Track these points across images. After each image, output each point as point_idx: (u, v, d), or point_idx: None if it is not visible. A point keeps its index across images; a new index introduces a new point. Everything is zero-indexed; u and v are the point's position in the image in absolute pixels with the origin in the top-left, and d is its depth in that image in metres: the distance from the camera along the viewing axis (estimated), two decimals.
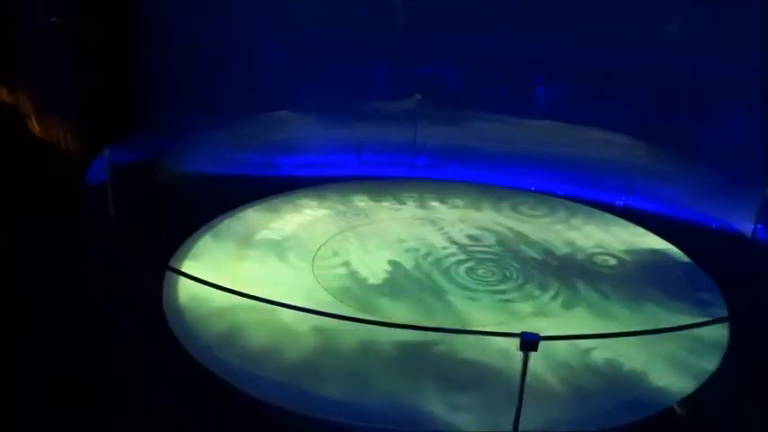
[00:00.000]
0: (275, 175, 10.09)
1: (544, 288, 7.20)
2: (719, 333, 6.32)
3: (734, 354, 5.98)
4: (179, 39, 9.29)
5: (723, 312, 6.82)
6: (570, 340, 5.95)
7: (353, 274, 7.40)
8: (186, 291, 6.77)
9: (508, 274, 7.48)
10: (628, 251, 8.15)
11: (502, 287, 7.21)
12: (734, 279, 7.32)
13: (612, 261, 7.90)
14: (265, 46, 9.98)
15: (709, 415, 5.43)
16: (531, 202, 9.55)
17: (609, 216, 9.19)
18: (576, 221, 9.01)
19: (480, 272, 7.51)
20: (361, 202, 9.36)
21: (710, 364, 5.94)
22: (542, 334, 4.35)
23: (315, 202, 9.24)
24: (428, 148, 10.61)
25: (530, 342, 4.29)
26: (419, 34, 10.02)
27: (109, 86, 9.11)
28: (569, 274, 7.53)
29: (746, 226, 8.80)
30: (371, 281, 7.29)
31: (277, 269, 7.51)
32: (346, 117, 10.33)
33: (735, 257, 8.17)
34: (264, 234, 8.29)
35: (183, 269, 7.30)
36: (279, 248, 7.93)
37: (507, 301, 6.98)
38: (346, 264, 7.63)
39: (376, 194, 9.57)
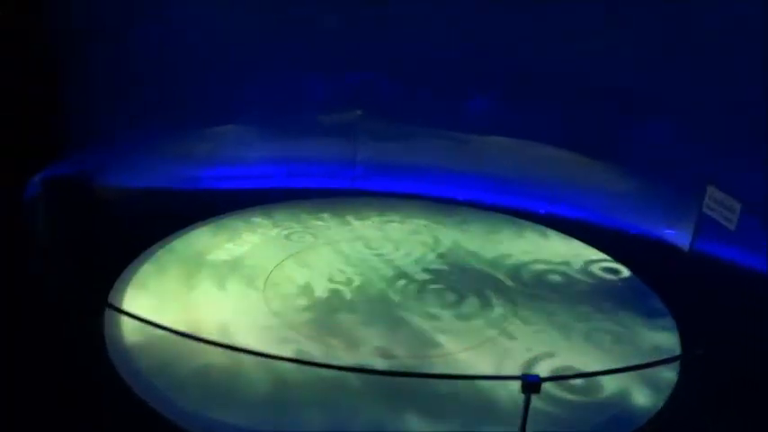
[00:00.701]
0: (206, 189, 9.79)
1: (500, 306, 7.29)
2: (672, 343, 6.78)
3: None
4: (104, 50, 8.78)
5: (671, 322, 7.16)
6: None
7: (308, 299, 7.20)
8: (128, 324, 6.32)
9: (463, 293, 7.51)
10: (571, 264, 8.38)
11: (461, 308, 7.23)
12: (667, 285, 7.77)
13: (557, 277, 8.06)
14: (194, 57, 9.50)
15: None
16: (473, 217, 9.62)
17: (548, 230, 9.35)
18: (517, 236, 9.14)
19: (436, 292, 7.52)
20: (316, 220, 9.16)
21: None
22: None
23: (267, 221, 9.00)
24: (363, 161, 10.55)
25: (532, 384, 4.31)
26: (354, 43, 9.90)
27: (32, 102, 8.42)
28: (520, 290, 7.68)
29: (660, 229, 9.33)
30: (329, 305, 7.13)
31: (228, 296, 7.24)
32: (279, 129, 10.09)
33: (655, 261, 8.63)
34: (214, 257, 7.99)
35: (128, 298, 6.93)
36: (229, 273, 7.64)
37: (467, 320, 7.03)
38: (301, 288, 7.41)
39: (324, 212, 9.39)
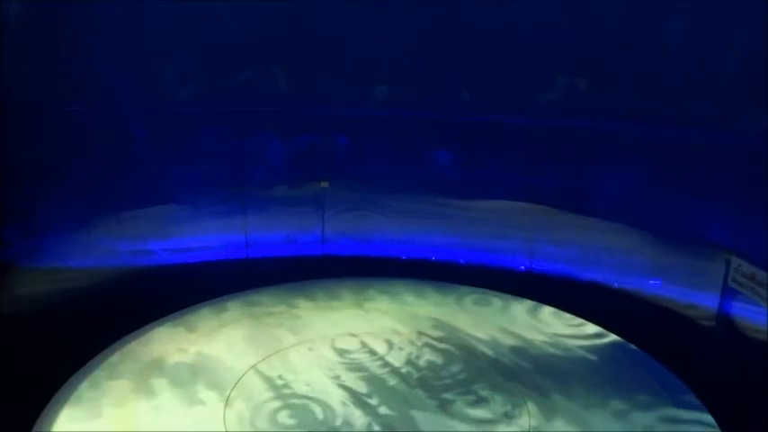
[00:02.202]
0: (158, 264, 9.34)
1: (515, 403, 6.47)
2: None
3: None
4: (41, 122, 8.51)
5: (693, 399, 6.60)
6: None
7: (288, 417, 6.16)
8: None
9: (475, 389, 6.66)
10: (572, 343, 7.61)
11: (477, 411, 6.36)
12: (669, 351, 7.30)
13: (561, 356, 7.34)
14: (131, 123, 9.25)
15: None
16: (459, 292, 8.76)
17: (539, 306, 8.50)
18: (514, 313, 8.31)
19: (445, 392, 6.59)
20: (293, 308, 8.17)
21: None
22: None
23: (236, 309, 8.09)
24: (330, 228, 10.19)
25: None
26: (302, 102, 9.67)
27: None
28: (530, 378, 6.90)
29: (644, 282, 8.96)
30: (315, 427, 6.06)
31: (184, 415, 6.15)
32: (231, 195, 9.77)
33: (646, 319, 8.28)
34: (169, 364, 6.87)
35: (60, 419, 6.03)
36: (187, 383, 6.56)
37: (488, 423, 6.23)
38: (276, 401, 6.34)
39: (299, 298, 8.44)
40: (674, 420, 6.31)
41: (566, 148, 9.28)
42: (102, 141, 8.94)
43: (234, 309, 8.08)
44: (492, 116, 9.45)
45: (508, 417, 6.26)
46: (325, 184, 9.90)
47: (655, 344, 7.45)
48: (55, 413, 6.04)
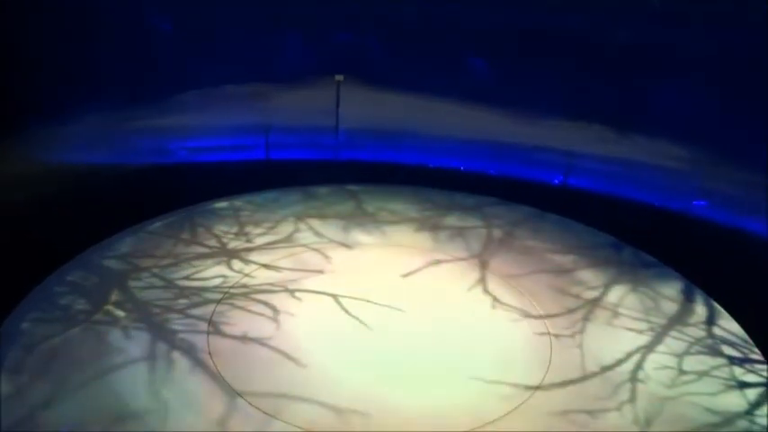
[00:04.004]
0: (174, 163, 9.08)
1: None
2: None
3: None
4: (59, 16, 8.31)
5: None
6: None
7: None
8: None
9: None
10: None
11: None
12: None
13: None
14: (155, 18, 9.03)
15: None
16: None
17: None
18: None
19: None
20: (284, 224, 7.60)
21: None
22: None
23: (210, 222, 7.58)
24: (347, 130, 9.74)
25: None
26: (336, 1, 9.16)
27: None
28: None
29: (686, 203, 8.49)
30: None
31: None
32: (254, 95, 9.41)
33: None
34: (123, 292, 6.18)
35: None
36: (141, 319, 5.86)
37: None
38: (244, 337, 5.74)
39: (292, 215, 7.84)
40: None
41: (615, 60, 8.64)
42: (125, 35, 8.72)
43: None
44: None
45: None
46: (340, 78, 9.44)
47: (695, 267, 6.94)
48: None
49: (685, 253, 7.29)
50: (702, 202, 8.46)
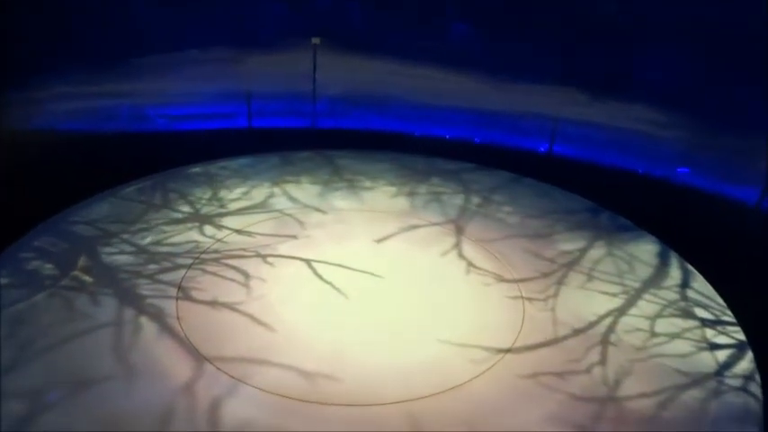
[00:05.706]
0: (153, 131, 8.99)
1: None
2: None
3: None
4: None
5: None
6: None
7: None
8: None
9: None
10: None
11: None
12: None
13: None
14: None
15: None
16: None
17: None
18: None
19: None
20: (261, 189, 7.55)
21: None
22: None
23: (186, 187, 7.49)
24: (326, 96, 9.58)
25: None
26: None
27: None
28: None
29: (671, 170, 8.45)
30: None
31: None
32: (232, 60, 9.18)
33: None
34: (92, 258, 6.06)
35: None
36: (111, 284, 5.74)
37: None
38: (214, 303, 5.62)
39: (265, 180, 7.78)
40: None
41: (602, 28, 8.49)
42: (103, 1, 8.54)
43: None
44: None
45: None
46: (316, 41, 9.19)
47: (675, 234, 6.91)
48: None
49: (665, 219, 7.24)
50: (685, 170, 8.41)
